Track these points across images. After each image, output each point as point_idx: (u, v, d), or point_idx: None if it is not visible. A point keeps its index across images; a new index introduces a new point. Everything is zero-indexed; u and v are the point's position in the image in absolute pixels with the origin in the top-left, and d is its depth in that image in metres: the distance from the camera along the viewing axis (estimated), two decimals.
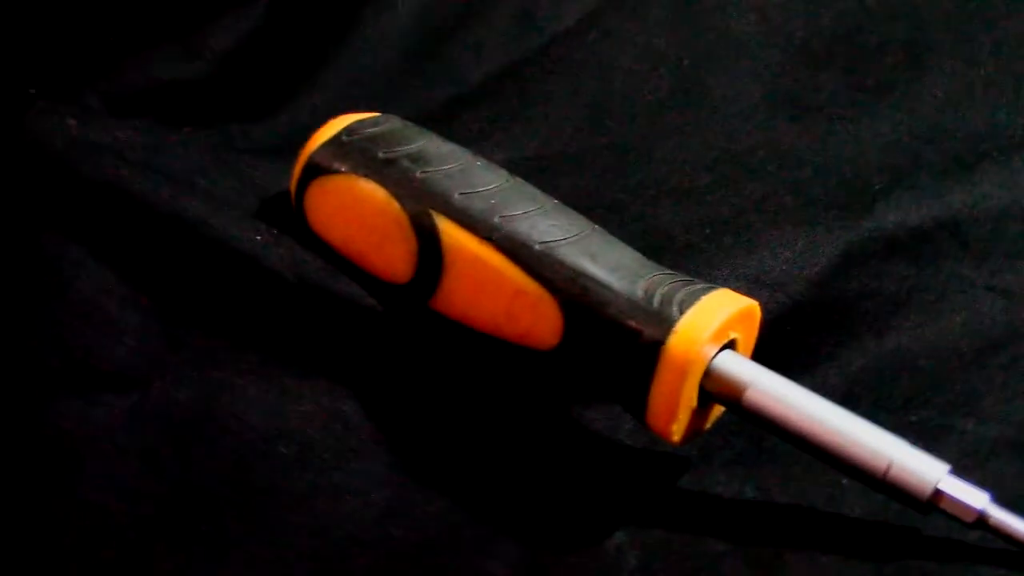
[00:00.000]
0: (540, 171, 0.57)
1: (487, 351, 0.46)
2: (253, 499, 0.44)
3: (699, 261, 0.51)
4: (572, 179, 0.57)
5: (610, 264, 0.44)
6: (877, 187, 0.55)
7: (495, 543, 0.43)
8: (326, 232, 0.48)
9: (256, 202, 0.50)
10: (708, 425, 0.45)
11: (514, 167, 0.55)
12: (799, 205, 0.55)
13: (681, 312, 0.43)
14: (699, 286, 0.44)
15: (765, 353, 0.48)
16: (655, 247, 0.52)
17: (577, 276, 0.44)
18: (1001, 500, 0.42)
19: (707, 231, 0.53)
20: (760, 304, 0.50)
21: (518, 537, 0.43)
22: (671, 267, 0.46)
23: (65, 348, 0.44)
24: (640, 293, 0.43)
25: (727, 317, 0.43)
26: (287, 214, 0.49)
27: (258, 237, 0.47)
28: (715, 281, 0.49)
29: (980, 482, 0.43)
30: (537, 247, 0.45)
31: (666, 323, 0.42)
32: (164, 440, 0.44)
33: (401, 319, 0.48)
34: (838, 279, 0.51)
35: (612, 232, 0.48)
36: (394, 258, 0.47)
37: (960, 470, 0.44)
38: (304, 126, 0.52)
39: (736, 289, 0.49)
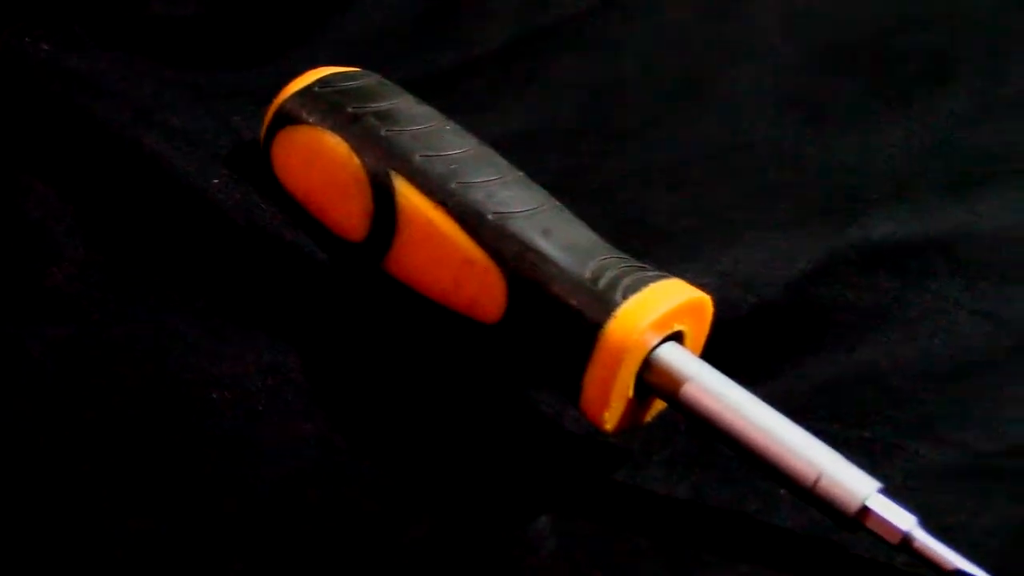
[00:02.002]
0: (532, 146, 0.55)
1: (434, 318, 0.45)
2: (178, 442, 0.43)
3: (672, 251, 0.50)
4: (563, 157, 0.56)
5: (562, 242, 0.43)
6: (874, 197, 0.53)
7: (414, 515, 0.42)
8: (290, 182, 0.48)
9: (228, 146, 0.50)
10: (648, 418, 0.44)
11: (507, 140, 0.54)
12: (789, 207, 0.53)
13: (624, 297, 0.41)
14: (650, 273, 0.43)
15: (727, 353, 0.46)
16: (630, 233, 0.51)
17: (525, 250, 0.43)
18: (937, 527, 0.40)
19: (688, 222, 0.52)
20: (728, 302, 0.48)
21: (440, 510, 0.42)
22: (642, 254, 0.45)
23: (3, 272, 0.44)
24: (587, 274, 0.42)
25: (672, 307, 0.42)
26: (256, 161, 0.49)
27: (216, 180, 0.46)
28: (684, 274, 0.48)
29: (920, 506, 0.42)
30: (490, 217, 0.43)
31: (608, 306, 0.41)
32: (96, 373, 0.44)
33: (353, 277, 0.47)
34: (816, 286, 0.50)
35: (591, 214, 0.47)
36: (351, 215, 0.46)
37: (902, 492, 0.42)
38: (295, 77, 0.51)
39: (704, 284, 0.48)
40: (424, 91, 0.50)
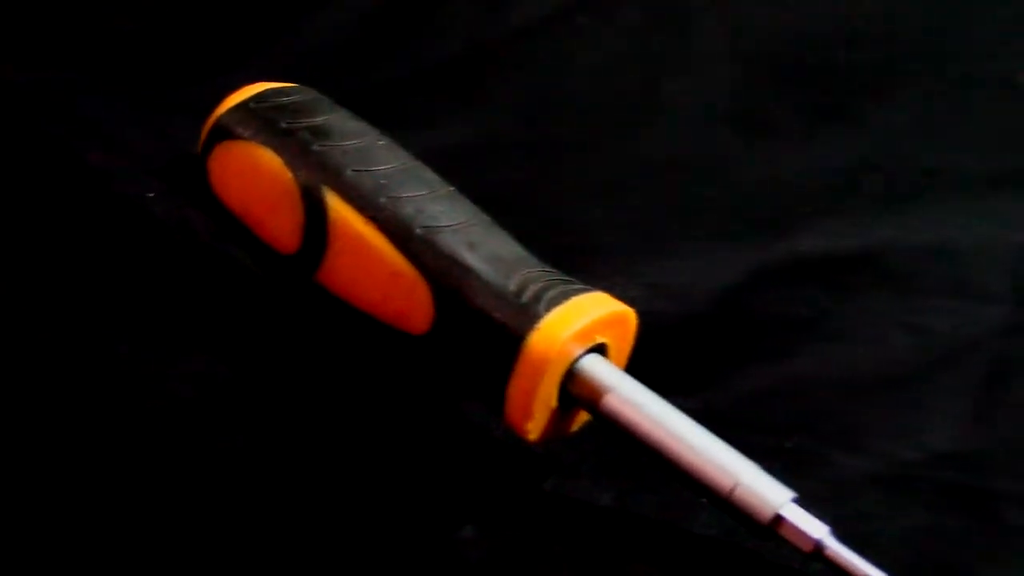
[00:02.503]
0: (473, 161, 0.56)
1: (364, 330, 0.46)
2: (111, 450, 0.44)
3: (604, 264, 0.51)
4: (503, 172, 0.57)
5: (487, 255, 0.44)
6: (807, 211, 0.54)
7: (344, 524, 0.43)
8: (226, 195, 0.48)
9: (166, 160, 0.50)
10: (573, 429, 0.44)
11: (448, 155, 0.55)
12: (723, 220, 0.54)
13: (547, 309, 0.42)
14: (574, 286, 0.43)
15: (656, 364, 0.47)
16: (564, 247, 0.51)
17: (452, 264, 0.43)
18: (852, 534, 0.41)
19: (622, 236, 0.53)
20: (657, 314, 0.49)
21: (366, 520, 0.43)
22: (574, 268, 0.46)
23: None
24: (512, 287, 0.43)
25: (594, 319, 0.42)
26: (194, 175, 0.49)
27: (151, 194, 0.47)
28: (614, 287, 0.49)
29: (837, 515, 0.42)
30: (418, 231, 0.44)
31: (531, 319, 0.42)
32: (26, 383, 0.44)
33: (286, 289, 0.47)
34: (745, 298, 0.51)
35: (527, 228, 0.47)
36: (283, 228, 0.47)
37: (820, 501, 0.43)
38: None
39: (633, 297, 0.49)
40: (368, 106, 0.51)
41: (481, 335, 0.43)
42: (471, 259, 0.44)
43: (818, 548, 0.40)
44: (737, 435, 0.44)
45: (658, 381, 0.44)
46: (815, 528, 0.40)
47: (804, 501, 0.41)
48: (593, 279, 0.45)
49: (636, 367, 0.44)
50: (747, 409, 0.47)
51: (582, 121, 0.60)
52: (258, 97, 0.48)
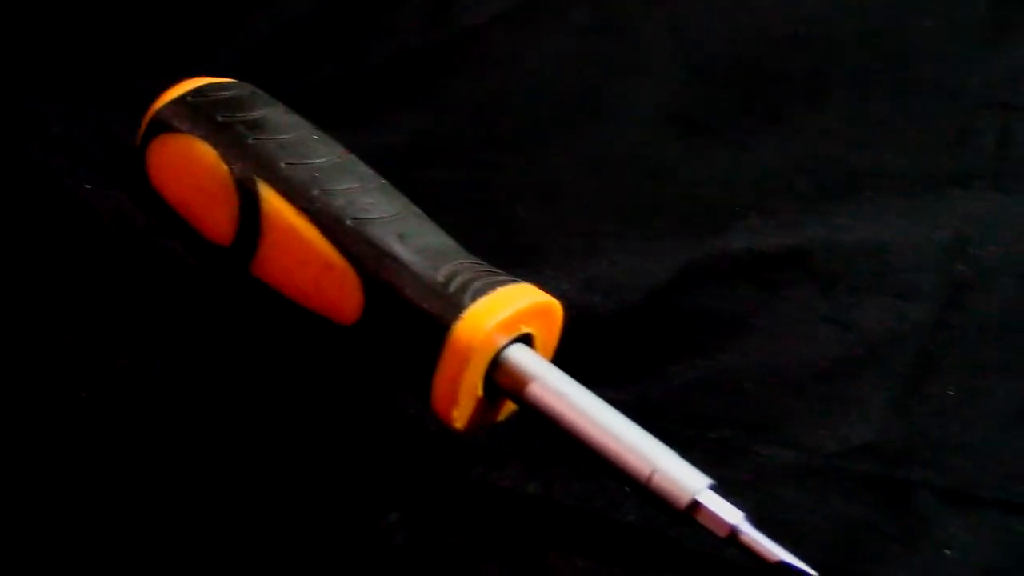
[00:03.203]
0: (416, 158, 0.58)
1: (298, 320, 0.47)
2: (47, 440, 0.44)
3: (539, 261, 0.52)
4: (445, 170, 0.58)
5: (417, 247, 0.45)
6: (738, 210, 0.55)
7: (269, 511, 0.43)
8: (164, 188, 0.49)
9: (106, 154, 0.51)
10: (500, 418, 0.45)
11: (391, 152, 0.56)
12: (659, 218, 0.55)
13: (473, 299, 0.43)
14: (500, 278, 0.44)
15: (588, 358, 0.48)
16: (501, 242, 0.53)
17: (381, 255, 0.44)
18: (772, 522, 0.42)
19: (559, 232, 0.54)
20: (589, 308, 0.50)
21: (292, 507, 0.43)
22: (509, 263, 0.46)
23: None
24: (439, 278, 0.44)
25: (519, 309, 0.43)
26: (133, 168, 0.50)
27: (88, 186, 0.47)
28: (547, 282, 0.50)
29: (758, 504, 0.43)
30: (349, 222, 0.45)
31: (456, 308, 0.43)
32: None
33: (222, 281, 0.48)
34: (676, 294, 0.52)
35: (466, 225, 0.48)
36: (219, 220, 0.47)
37: (742, 490, 0.44)
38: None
39: (565, 291, 0.50)
40: (313, 104, 0.52)
41: (408, 325, 0.43)
42: (400, 250, 0.44)
43: (733, 533, 0.40)
44: (664, 426, 0.45)
45: (589, 374, 0.45)
46: (731, 514, 0.41)
47: (724, 490, 0.42)
48: (527, 274, 0.46)
49: (568, 360, 0.45)
50: (675, 402, 0.48)
51: (526, 121, 0.61)
52: (196, 91, 0.49)
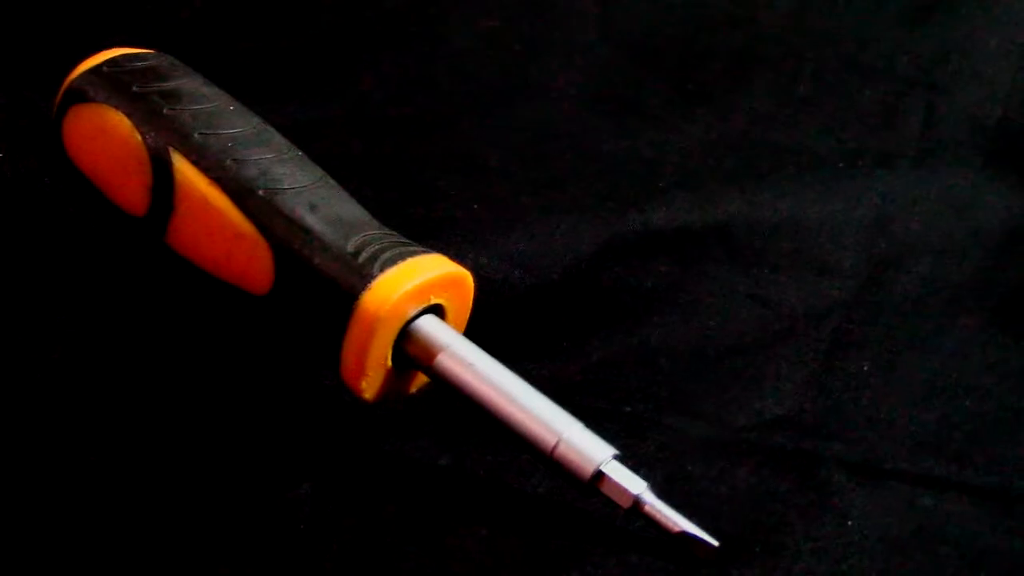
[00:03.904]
0: (337, 133, 0.57)
1: (211, 291, 0.47)
2: None
3: (457, 235, 0.52)
4: (366, 145, 0.57)
5: (328, 217, 0.44)
6: (660, 187, 0.55)
7: (179, 482, 0.43)
8: (79, 158, 0.49)
9: (21, 123, 0.51)
10: (412, 390, 0.45)
11: (318, 127, 0.56)
12: (580, 194, 0.55)
13: (382, 269, 0.43)
14: (411, 248, 0.44)
15: (505, 332, 0.48)
16: (420, 217, 0.53)
17: (291, 225, 0.44)
18: (679, 493, 0.42)
19: (478, 208, 0.54)
20: (507, 283, 0.50)
21: (203, 477, 0.43)
22: (427, 237, 0.47)
23: None
24: (349, 248, 0.44)
25: (427, 279, 0.43)
26: (48, 138, 0.50)
27: (0, 155, 0.47)
28: (464, 255, 0.50)
29: (667, 475, 0.44)
30: (260, 192, 0.45)
31: (364, 278, 0.43)
32: None
33: (136, 252, 0.48)
34: (595, 269, 0.52)
35: (386, 199, 0.48)
36: (133, 190, 0.47)
37: (652, 462, 0.44)
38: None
39: (483, 266, 0.50)
40: (238, 79, 0.52)
41: (318, 295, 0.43)
42: (311, 220, 0.44)
43: (637, 504, 0.41)
44: (579, 400, 0.45)
45: (507, 349, 0.45)
46: (634, 484, 0.41)
47: (633, 463, 0.42)
48: (444, 248, 0.46)
49: (485, 334, 0.45)
50: (592, 376, 0.48)
51: (451, 99, 0.61)
52: (112, 61, 0.49)
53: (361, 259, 0.43)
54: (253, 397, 0.46)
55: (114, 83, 0.48)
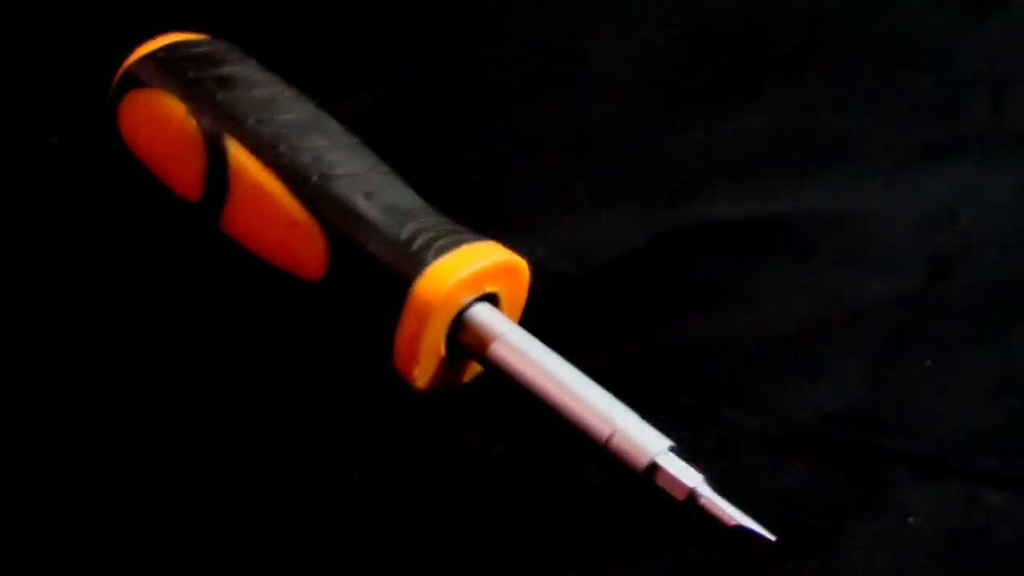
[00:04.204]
0: (390, 121, 0.57)
1: (264, 278, 0.46)
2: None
3: (508, 224, 0.50)
4: (422, 132, 0.57)
5: (382, 204, 0.44)
6: (718, 178, 0.55)
7: (231, 467, 0.43)
8: (134, 144, 0.49)
9: (81, 111, 0.51)
10: (465, 379, 0.45)
11: (370, 115, 0.56)
12: (635, 184, 0.54)
13: (436, 256, 0.42)
14: (466, 236, 0.44)
15: (556, 324, 0.47)
16: (474, 206, 0.51)
17: (346, 212, 0.44)
18: (735, 487, 0.42)
19: (533, 197, 0.53)
20: (558, 273, 0.50)
21: (256, 463, 0.43)
22: (480, 227, 0.46)
23: None
24: (404, 235, 0.43)
25: (482, 267, 0.43)
26: (104, 123, 0.50)
27: (55, 139, 0.47)
28: (516, 246, 0.49)
29: (724, 469, 0.43)
30: (315, 179, 0.45)
31: (419, 265, 0.42)
32: None
33: (190, 238, 0.48)
34: (648, 261, 0.51)
35: (439, 187, 0.48)
36: (187, 176, 0.47)
37: (708, 455, 0.43)
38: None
39: (539, 255, 0.49)
40: (290, 66, 0.51)
41: (371, 282, 0.43)
42: (365, 207, 0.44)
43: (692, 497, 0.40)
44: (634, 392, 0.44)
45: (560, 340, 0.44)
46: (690, 477, 0.40)
47: (689, 455, 0.41)
48: (498, 238, 0.46)
49: (538, 326, 0.44)
50: (646, 368, 0.48)
51: (503, 86, 0.60)
52: (168, 47, 0.49)
53: (415, 246, 0.43)
54: (306, 384, 0.46)
55: (169, 69, 0.48)
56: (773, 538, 0.39)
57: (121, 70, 0.49)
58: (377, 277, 0.43)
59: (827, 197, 0.54)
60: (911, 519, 0.41)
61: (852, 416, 0.45)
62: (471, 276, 0.42)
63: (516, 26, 0.62)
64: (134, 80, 0.48)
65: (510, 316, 0.44)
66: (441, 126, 0.57)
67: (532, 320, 0.45)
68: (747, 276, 0.51)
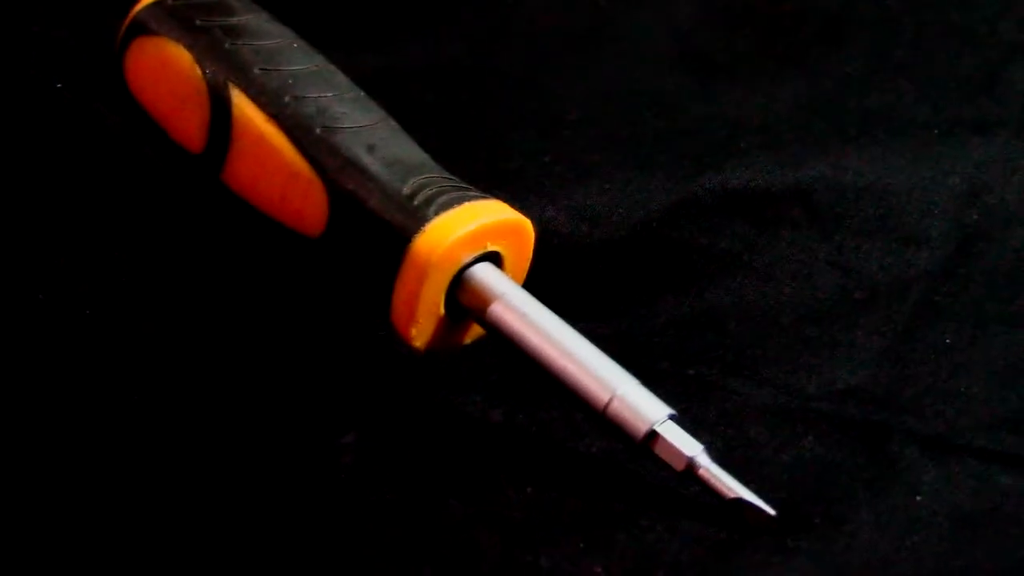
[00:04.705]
0: (412, 82, 0.56)
1: (265, 232, 0.45)
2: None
3: (524, 187, 0.50)
4: (442, 94, 0.56)
5: (385, 158, 0.43)
6: (742, 147, 0.53)
7: (235, 420, 0.42)
8: (139, 92, 0.48)
9: (89, 58, 0.50)
10: (466, 341, 0.44)
11: (389, 75, 0.55)
12: (658, 152, 0.53)
13: (437, 213, 0.41)
14: (471, 193, 0.42)
15: (570, 289, 0.47)
16: (486, 167, 0.51)
17: (348, 165, 0.43)
18: (737, 460, 0.40)
19: (549, 161, 0.52)
20: (574, 237, 0.48)
21: (247, 419, 0.42)
22: (489, 187, 0.45)
23: None
24: (405, 190, 0.42)
25: (485, 225, 0.41)
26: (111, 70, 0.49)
27: (59, 85, 0.46)
28: (530, 207, 0.48)
29: (727, 440, 0.42)
30: (318, 131, 0.43)
31: (419, 221, 0.41)
32: None
33: (193, 189, 0.47)
34: (667, 228, 0.49)
35: (457, 148, 0.47)
36: (191, 126, 0.46)
37: (712, 426, 0.43)
38: None
39: (550, 218, 0.48)
40: (311, 24, 0.50)
41: (371, 237, 0.42)
42: (368, 160, 0.43)
43: (691, 467, 0.39)
44: (641, 361, 0.43)
45: (572, 305, 0.44)
46: (689, 446, 0.39)
47: (693, 425, 0.40)
48: (510, 199, 0.44)
49: (550, 290, 0.43)
50: (658, 337, 0.47)
51: (532, 52, 0.59)
52: None
53: (417, 202, 0.42)
54: (304, 342, 0.45)
55: (177, 16, 0.47)
56: (773, 512, 0.38)
57: (129, 17, 0.48)
58: (377, 232, 0.42)
59: (854, 170, 0.52)
60: (919, 498, 0.39)
61: (865, 392, 0.44)
62: (472, 233, 0.41)
63: None
64: (142, 27, 0.47)
65: (514, 277, 0.43)
66: (463, 89, 0.56)
67: (542, 283, 0.44)
68: (767, 247, 0.50)
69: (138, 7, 0.48)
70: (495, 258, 0.42)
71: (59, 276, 0.45)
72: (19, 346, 0.44)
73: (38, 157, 0.48)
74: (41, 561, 0.37)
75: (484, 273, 0.42)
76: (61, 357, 0.44)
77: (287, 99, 0.44)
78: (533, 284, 0.43)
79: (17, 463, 0.40)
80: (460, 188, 0.43)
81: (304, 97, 0.44)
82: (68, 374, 0.43)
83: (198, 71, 0.46)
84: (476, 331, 0.43)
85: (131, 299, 0.45)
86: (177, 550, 0.38)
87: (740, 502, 0.38)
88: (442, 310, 0.42)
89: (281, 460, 0.41)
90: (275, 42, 0.47)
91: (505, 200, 0.43)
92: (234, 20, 0.47)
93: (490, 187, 0.45)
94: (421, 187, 0.42)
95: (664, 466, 0.39)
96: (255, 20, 0.47)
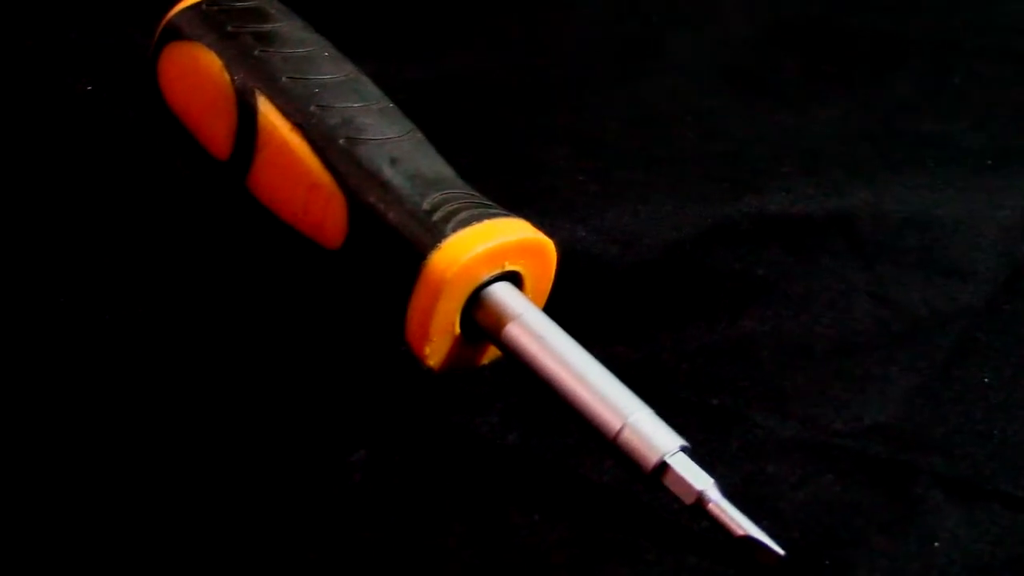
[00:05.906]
0: (450, 95, 0.55)
1: (286, 242, 0.45)
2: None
3: (554, 206, 0.49)
4: (481, 107, 0.55)
5: (408, 172, 0.42)
6: (784, 171, 0.52)
7: (247, 433, 0.42)
8: (171, 97, 0.48)
9: (123, 62, 0.50)
10: (483, 362, 0.43)
11: (427, 87, 0.54)
12: (696, 173, 0.52)
13: (455, 229, 0.40)
14: (492, 211, 0.41)
15: (598, 312, 0.45)
16: (515, 185, 0.50)
17: (368, 177, 0.42)
18: (752, 495, 0.39)
19: (582, 181, 0.51)
20: (604, 259, 0.47)
21: (259, 435, 0.42)
22: (517, 206, 0.44)
23: None
24: (425, 205, 0.41)
25: (503, 243, 0.41)
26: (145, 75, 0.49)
27: (89, 88, 0.46)
28: (560, 228, 0.47)
29: (744, 475, 0.41)
30: (341, 142, 0.43)
31: (436, 237, 0.40)
32: None
33: (218, 195, 0.47)
34: (700, 253, 0.48)
35: (484, 165, 0.46)
36: (218, 132, 0.46)
37: (730, 459, 0.41)
38: None
39: (580, 239, 0.47)
40: (351, 34, 0.50)
41: (388, 252, 0.41)
42: (389, 173, 0.42)
43: (700, 501, 0.37)
44: (665, 389, 0.42)
45: (599, 329, 0.43)
46: (700, 480, 0.38)
47: (711, 457, 0.39)
48: (539, 218, 0.44)
49: (577, 313, 0.43)
50: (685, 366, 0.45)
51: (574, 68, 0.58)
52: (212, 0, 0.48)
53: (436, 217, 0.41)
54: (319, 356, 0.44)
55: (209, 21, 0.47)
56: (782, 552, 0.37)
57: (163, 21, 0.48)
58: (394, 247, 0.41)
59: (899, 199, 0.51)
60: (937, 544, 0.38)
61: (894, 430, 0.43)
62: (490, 251, 0.40)
63: (594, 7, 0.60)
64: (174, 32, 0.47)
65: (534, 299, 0.42)
66: (501, 104, 0.56)
67: (568, 305, 0.43)
68: (803, 275, 0.48)
69: (173, 11, 0.48)
70: (515, 278, 0.42)
71: (78, 279, 0.45)
72: (38, 350, 0.43)
73: (64, 160, 0.47)
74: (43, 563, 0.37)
75: (501, 293, 0.41)
76: (79, 362, 0.43)
77: (312, 108, 0.44)
78: (560, 305, 0.43)
79: (36, 474, 0.40)
80: (482, 205, 0.42)
81: (330, 107, 0.44)
82: (84, 379, 0.43)
83: (227, 77, 0.45)
84: (494, 352, 0.43)
85: (146, 306, 0.45)
86: (185, 565, 0.38)
87: (749, 540, 0.37)
88: (457, 329, 0.41)
89: (288, 472, 0.41)
90: (306, 50, 0.46)
91: (534, 218, 0.42)
92: (267, 27, 0.47)
93: (520, 204, 0.44)
94: (442, 202, 0.41)
95: (674, 498, 0.38)
96: (288, 28, 0.47)
